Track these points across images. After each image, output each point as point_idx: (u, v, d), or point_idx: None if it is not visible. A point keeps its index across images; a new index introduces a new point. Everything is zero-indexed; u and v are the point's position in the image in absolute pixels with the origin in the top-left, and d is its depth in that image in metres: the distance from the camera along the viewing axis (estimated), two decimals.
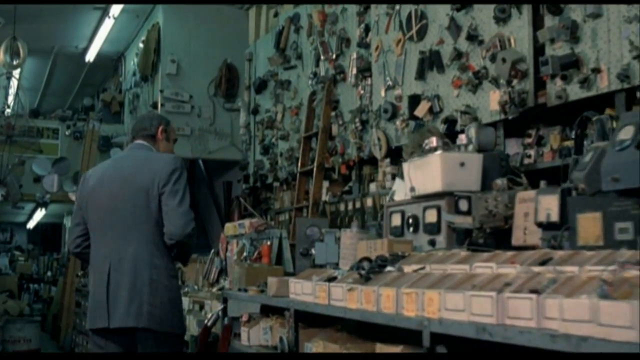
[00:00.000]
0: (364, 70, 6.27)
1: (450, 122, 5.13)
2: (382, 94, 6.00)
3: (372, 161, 6.37)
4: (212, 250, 6.42)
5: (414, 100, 5.53)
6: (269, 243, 4.11)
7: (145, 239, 3.56)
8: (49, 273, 18.12)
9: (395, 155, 5.91)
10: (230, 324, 3.70)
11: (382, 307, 2.28)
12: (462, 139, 3.06)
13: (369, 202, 6.23)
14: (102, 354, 3.63)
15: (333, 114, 6.77)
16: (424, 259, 2.66)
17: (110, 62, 13.45)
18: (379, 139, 5.92)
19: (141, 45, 11.03)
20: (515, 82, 4.46)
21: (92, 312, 3.66)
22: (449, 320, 1.96)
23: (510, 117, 4.51)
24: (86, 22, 11.57)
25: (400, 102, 5.78)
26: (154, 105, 10.40)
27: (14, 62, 10.68)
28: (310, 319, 2.93)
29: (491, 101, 4.71)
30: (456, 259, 2.50)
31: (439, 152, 2.90)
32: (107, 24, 11.29)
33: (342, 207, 6.68)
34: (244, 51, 9.83)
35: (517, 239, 2.67)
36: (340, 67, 6.71)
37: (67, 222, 15.45)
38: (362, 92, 6.32)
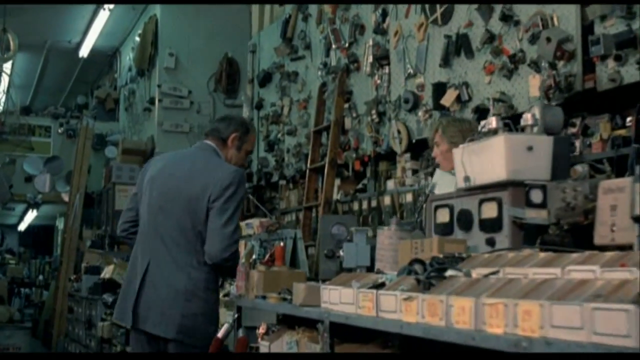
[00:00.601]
0: (381, 58, 5.80)
1: (482, 111, 4.67)
2: (402, 83, 5.53)
3: (390, 156, 5.91)
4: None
5: (439, 89, 5.06)
6: (282, 244, 3.64)
7: (187, 248, 3.40)
8: (40, 277, 17.61)
9: (417, 149, 5.44)
10: (245, 336, 3.22)
11: (453, 321, 1.81)
12: (527, 118, 2.58)
13: (386, 200, 5.76)
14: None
15: (346, 106, 6.29)
16: (492, 262, 2.18)
17: (105, 57, 12.96)
18: (398, 132, 5.45)
19: (137, 38, 10.55)
20: (560, 64, 4.00)
21: (119, 307, 3.57)
22: (559, 341, 1.48)
23: (554, 104, 4.04)
24: (80, 15, 11.09)
25: (423, 91, 5.32)
26: (151, 101, 9.92)
27: (4, 56, 10.19)
28: (345, 333, 2.46)
29: (531, 87, 4.24)
30: (536, 261, 2.03)
31: (501, 134, 2.42)
32: (102, 17, 10.81)
33: (355, 206, 6.21)
34: (245, 44, 9.37)
35: (601, 237, 2.21)
36: (353, 56, 6.25)
37: (60, 224, 14.92)
38: (378, 81, 5.85)
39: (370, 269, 3.11)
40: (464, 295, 1.85)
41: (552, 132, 2.57)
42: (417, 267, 2.25)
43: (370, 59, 5.91)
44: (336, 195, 6.40)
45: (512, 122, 2.60)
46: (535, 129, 2.56)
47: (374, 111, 5.82)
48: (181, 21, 9.91)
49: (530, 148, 2.43)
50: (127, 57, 11.62)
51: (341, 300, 2.37)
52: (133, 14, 11.00)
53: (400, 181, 5.65)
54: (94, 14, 10.92)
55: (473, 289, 1.89)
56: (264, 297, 3.14)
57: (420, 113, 5.28)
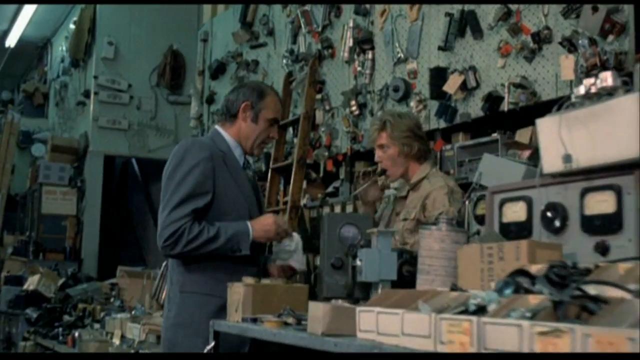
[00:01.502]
0: (363, 42, 5.03)
1: (494, 99, 3.95)
2: (390, 69, 4.78)
3: (368, 155, 5.13)
4: (164, 264, 5.03)
5: (439, 75, 4.34)
6: None
7: None
8: None
9: None
10: None
11: None
12: (606, 78, 1.85)
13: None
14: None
15: (318, 97, 5.50)
16: (631, 275, 1.43)
17: (35, 48, 11.83)
18: None
19: (72, 26, 9.53)
20: (608, 39, 3.30)
21: None
22: None
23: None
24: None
25: (415, 78, 4.58)
26: (86, 94, 8.93)
27: None
28: None
29: (563, 69, 3.53)
30: None
31: (629, 95, 1.67)
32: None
33: (326, 212, 5.40)
34: (193, 35, 8.56)
35: None
36: (327, 41, 5.47)
37: None
38: (359, 69, 5.08)
39: (398, 284, 2.34)
40: None
41: None
42: (522, 280, 1.48)
43: (350, 43, 5.14)
44: (302, 200, 5.59)
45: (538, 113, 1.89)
46: None
47: (353, 102, 5.05)
48: (122, 8, 8.96)
49: None
50: (60, 48, 10.57)
51: (404, 330, 1.57)
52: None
53: (384, 183, 4.87)
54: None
55: None
56: (254, 320, 2.32)
57: (412, 103, 4.53)
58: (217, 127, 3.04)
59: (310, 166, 5.58)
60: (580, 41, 3.43)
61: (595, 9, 3.25)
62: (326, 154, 5.38)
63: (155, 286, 4.94)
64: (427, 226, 2.13)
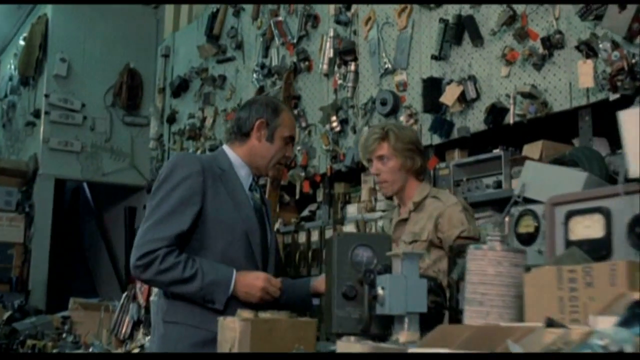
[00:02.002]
0: (345, 53, 4.65)
1: (498, 111, 3.59)
2: (376, 81, 4.40)
3: (349, 176, 4.74)
4: (125, 294, 4.54)
5: (433, 86, 3.96)
6: None
7: None
8: None
9: None
10: None
11: None
12: None
13: (348, 230, 4.55)
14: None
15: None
16: None
17: None
18: None
19: (22, 42, 8.99)
20: (637, 41, 2.96)
21: None
22: None
23: (620, 95, 3.01)
24: None
25: (405, 90, 4.20)
26: (36, 114, 8.38)
27: None
28: None
29: (581, 75, 3.18)
30: None
31: None
32: None
33: (302, 237, 4.97)
34: (151, 53, 8.14)
35: None
36: (304, 53, 5.07)
37: None
38: (339, 82, 4.69)
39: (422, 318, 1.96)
40: None
41: None
42: None
43: (330, 54, 4.75)
44: (275, 225, 5.15)
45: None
46: None
47: (333, 118, 4.65)
48: (76, 23, 8.47)
49: None
50: (8, 66, 9.99)
51: None
52: (17, 16, 9.45)
53: (368, 206, 4.48)
54: None
55: None
56: None
57: (402, 117, 4.15)
58: (224, 146, 2.79)
59: (284, 188, 5.16)
60: (600, 45, 3.09)
61: (622, 7, 2.92)
62: (302, 174, 4.96)
63: (114, 320, 4.44)
64: (478, 245, 1.72)
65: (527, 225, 2.00)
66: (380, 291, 1.98)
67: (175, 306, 2.54)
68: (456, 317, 2.02)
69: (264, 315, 2.05)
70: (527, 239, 1.98)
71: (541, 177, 2.01)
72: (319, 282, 2.67)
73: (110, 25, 8.60)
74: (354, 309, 2.16)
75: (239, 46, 5.90)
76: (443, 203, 2.85)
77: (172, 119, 6.89)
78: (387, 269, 2.09)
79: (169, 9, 7.38)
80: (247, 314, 2.01)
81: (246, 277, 2.56)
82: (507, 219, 2.06)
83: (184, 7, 7.12)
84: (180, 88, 6.74)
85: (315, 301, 2.71)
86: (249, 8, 5.82)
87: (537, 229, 1.97)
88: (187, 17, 7.06)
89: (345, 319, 2.16)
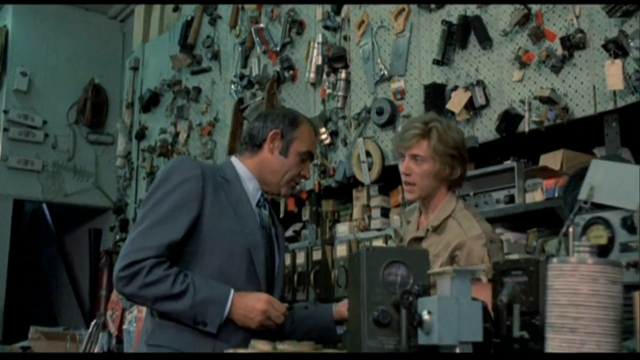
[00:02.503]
0: (335, 60, 4.32)
1: (511, 118, 3.28)
2: (370, 89, 4.08)
3: (338, 193, 4.40)
4: (94, 322, 4.11)
5: (436, 93, 3.65)
6: None
7: None
8: None
9: (388, 179, 3.96)
10: None
11: None
12: None
13: (339, 251, 4.21)
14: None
15: None
16: None
17: None
18: (368, 154, 3.96)
19: None
20: None
21: None
22: None
23: None
24: None
25: (403, 98, 3.89)
26: None
27: None
28: None
29: (609, 76, 2.89)
30: None
31: None
32: None
33: (286, 260, 4.59)
34: (117, 67, 7.73)
35: None
36: (288, 61, 4.73)
37: None
38: (328, 91, 4.36)
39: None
40: None
41: None
42: None
43: (318, 61, 4.42)
44: None
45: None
46: None
47: (322, 130, 4.31)
48: (39, 36, 8.03)
49: None
50: None
51: None
52: None
53: (361, 225, 4.13)
54: None
55: None
56: None
57: (399, 128, 3.82)
58: (232, 157, 2.56)
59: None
60: (632, 42, 2.80)
61: None
62: None
63: (82, 351, 4.02)
64: (563, 257, 1.39)
65: (598, 236, 1.68)
66: (426, 316, 1.63)
67: (162, 327, 2.22)
68: (509, 346, 1.69)
69: (282, 346, 1.69)
70: (599, 253, 1.66)
71: (613, 178, 1.69)
72: (343, 307, 2.32)
73: (74, 39, 8.19)
74: (387, 338, 1.80)
75: (216, 56, 5.54)
76: (465, 232, 2.48)
77: (141, 135, 6.49)
78: (425, 291, 1.76)
79: (137, 19, 7.00)
80: (263, 345, 1.65)
81: (245, 298, 2.23)
82: (570, 229, 1.73)
83: (155, 17, 6.76)
84: (151, 102, 6.35)
85: (340, 330, 2.36)
86: (226, 16, 5.48)
87: (611, 240, 1.65)
88: (158, 28, 6.70)
89: (378, 349, 1.80)
